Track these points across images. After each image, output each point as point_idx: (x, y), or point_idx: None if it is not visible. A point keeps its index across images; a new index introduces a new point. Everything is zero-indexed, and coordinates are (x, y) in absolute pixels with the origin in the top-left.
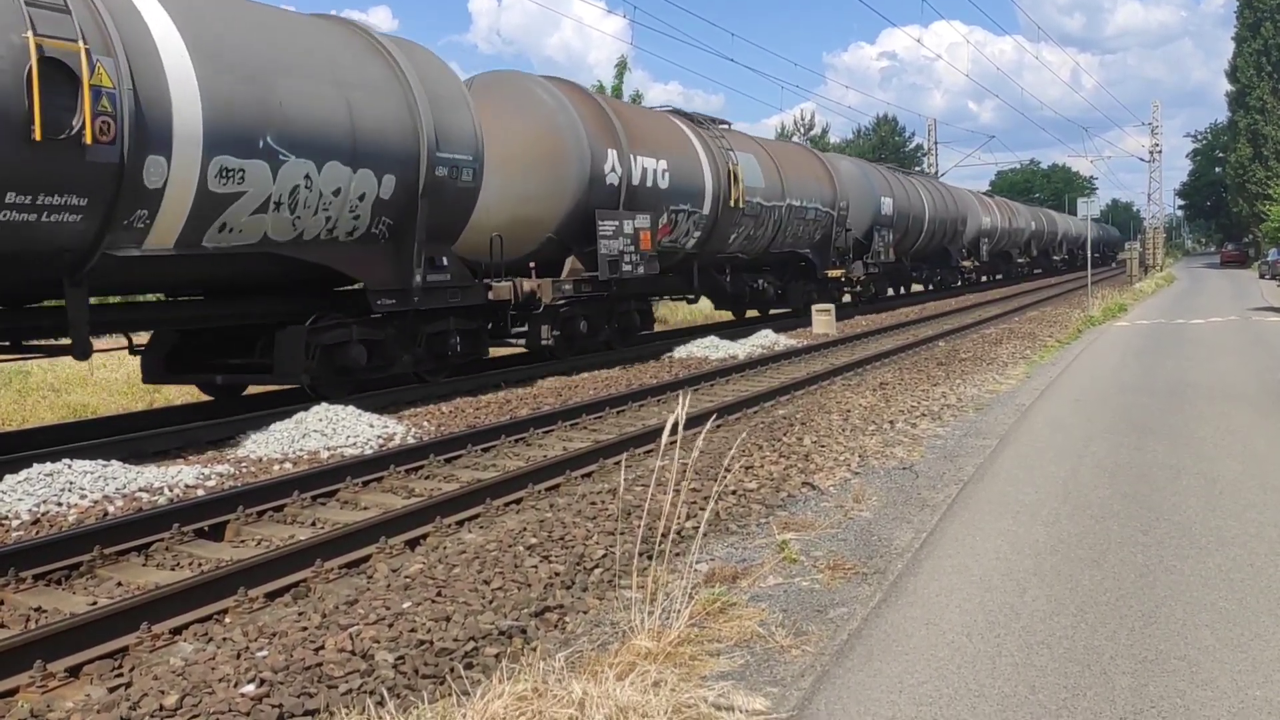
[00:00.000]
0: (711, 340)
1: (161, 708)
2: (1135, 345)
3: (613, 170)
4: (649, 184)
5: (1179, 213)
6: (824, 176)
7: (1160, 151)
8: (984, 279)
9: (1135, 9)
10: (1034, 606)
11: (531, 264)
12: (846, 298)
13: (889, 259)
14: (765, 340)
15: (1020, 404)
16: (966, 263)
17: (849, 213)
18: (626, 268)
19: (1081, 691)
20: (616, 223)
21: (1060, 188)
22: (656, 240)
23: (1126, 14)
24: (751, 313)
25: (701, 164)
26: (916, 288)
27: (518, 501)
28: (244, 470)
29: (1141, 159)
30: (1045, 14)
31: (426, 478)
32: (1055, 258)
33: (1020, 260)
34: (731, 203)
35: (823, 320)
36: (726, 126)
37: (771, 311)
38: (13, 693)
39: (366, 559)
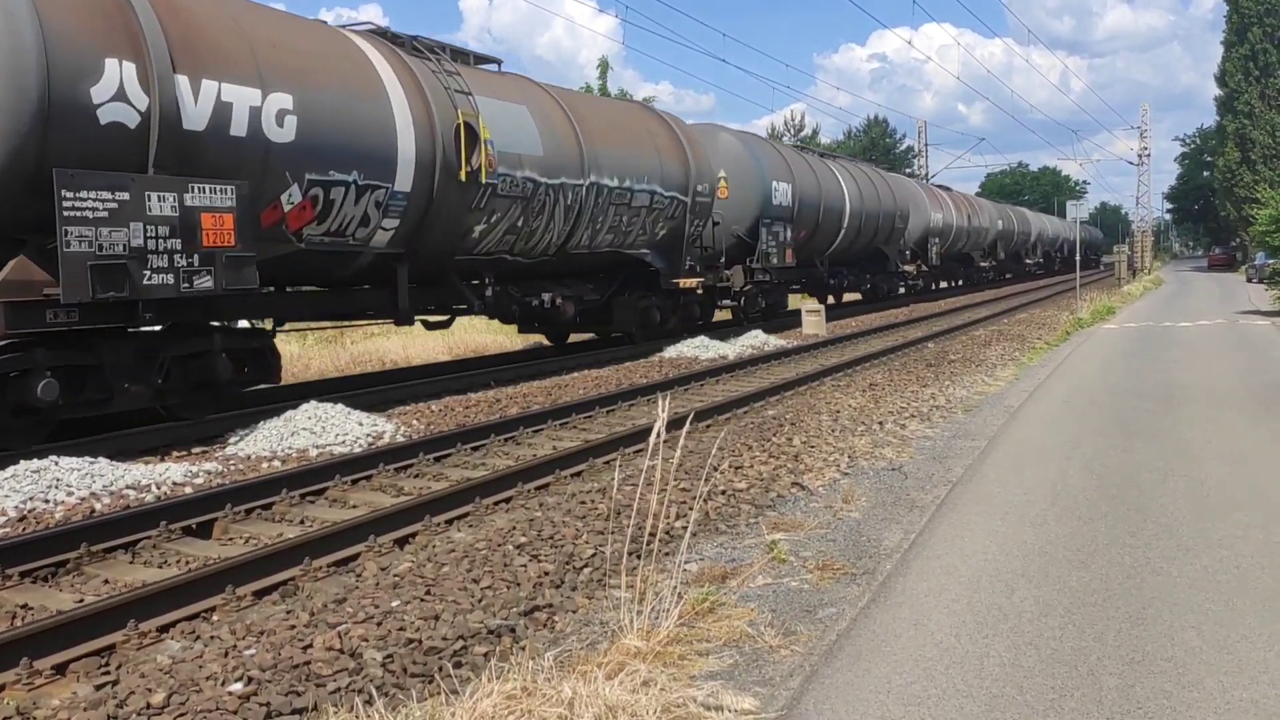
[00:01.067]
0: (702, 340)
1: (149, 706)
2: (1124, 348)
3: (119, 98)
4: (231, 132)
5: (1167, 216)
6: (672, 149)
7: (1149, 155)
8: (940, 285)
9: (1124, 12)
10: (1022, 607)
11: None
12: (724, 314)
13: (784, 263)
14: (755, 341)
15: (1009, 406)
16: (909, 267)
17: (717, 201)
18: (151, 276)
19: (1069, 692)
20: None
21: (1050, 190)
22: (249, 228)
23: (1115, 17)
24: (579, 337)
25: (391, 108)
26: (851, 296)
27: (507, 500)
28: (232, 468)
29: (1130, 162)
30: (1034, 17)
31: (416, 476)
32: (1028, 261)
33: (984, 264)
34: (464, 176)
35: (813, 321)
36: (495, 67)
37: (574, 338)
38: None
39: (355, 557)
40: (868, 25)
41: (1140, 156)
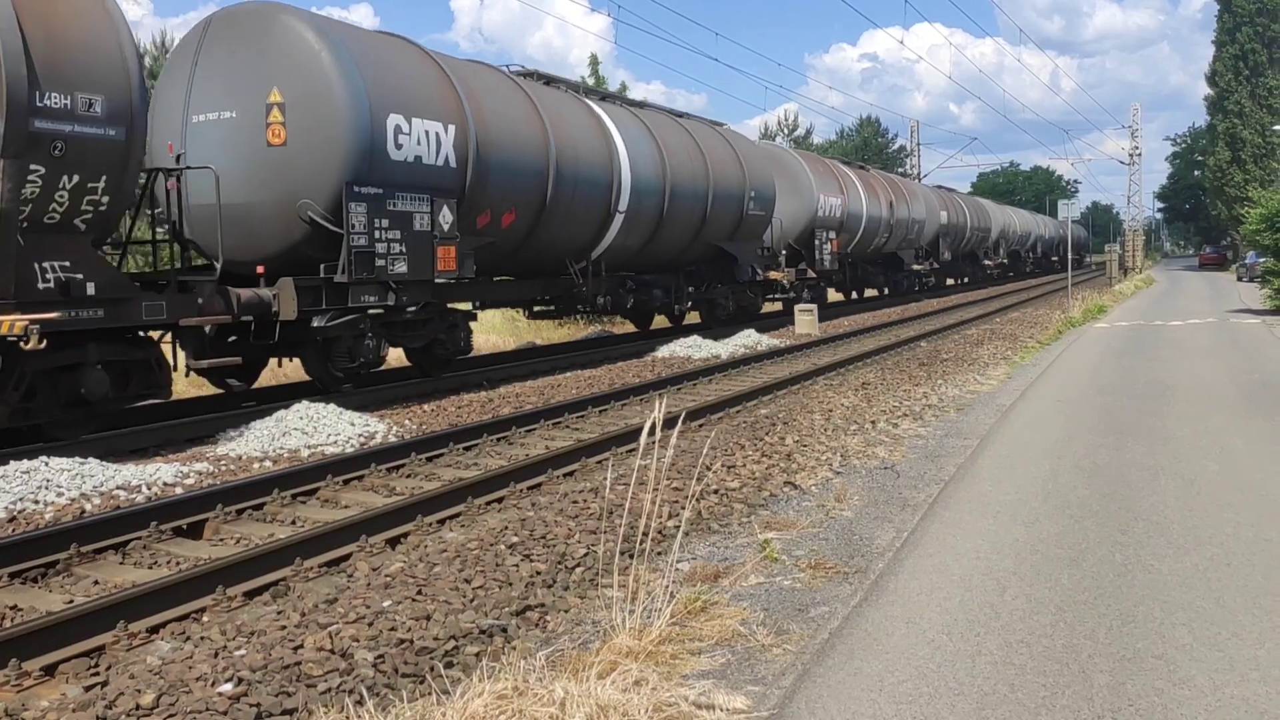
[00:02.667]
0: (694, 340)
1: (138, 707)
2: (1115, 347)
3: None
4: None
5: (1158, 215)
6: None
7: (1140, 154)
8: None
9: (1114, 12)
10: (1013, 605)
11: None
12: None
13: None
14: (748, 340)
15: (1001, 404)
16: (918, 265)
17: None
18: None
19: (1060, 690)
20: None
21: (1042, 190)
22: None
23: (1105, 17)
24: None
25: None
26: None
27: (499, 500)
28: (223, 468)
29: (1121, 161)
30: (1025, 17)
31: (408, 476)
32: (987, 262)
33: (917, 267)
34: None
35: (806, 320)
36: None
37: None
38: None
39: (347, 558)
40: (859, 25)
41: (1131, 156)
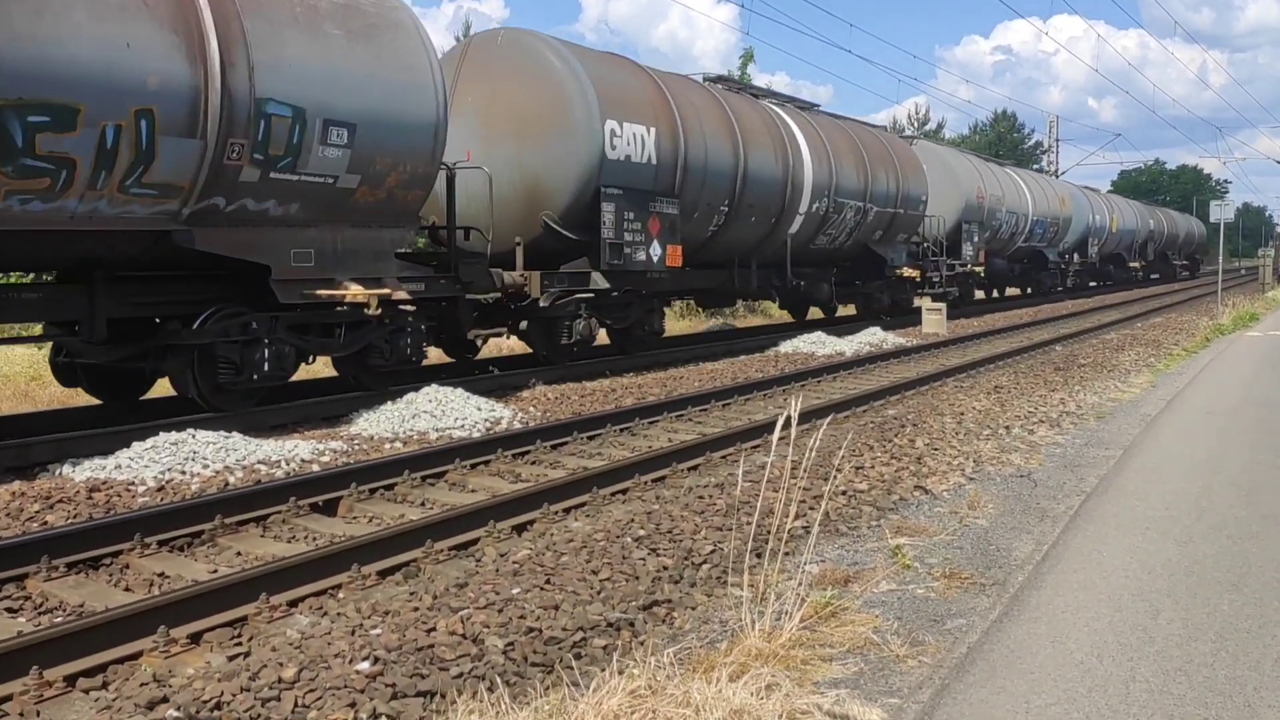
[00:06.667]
0: (818, 336)
1: (280, 680)
2: (1271, 357)
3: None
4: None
5: None
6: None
7: None
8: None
9: (1268, 6)
10: (1169, 630)
11: None
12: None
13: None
14: (874, 338)
15: (1145, 414)
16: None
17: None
18: None
19: None
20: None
21: (1189, 189)
22: None
23: (1258, 10)
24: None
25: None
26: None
27: (624, 492)
28: (356, 448)
29: (1277, 161)
30: (1171, 8)
31: (533, 463)
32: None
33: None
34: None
35: (933, 320)
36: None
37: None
38: (136, 656)
39: (475, 542)
40: (991, 17)
41: None
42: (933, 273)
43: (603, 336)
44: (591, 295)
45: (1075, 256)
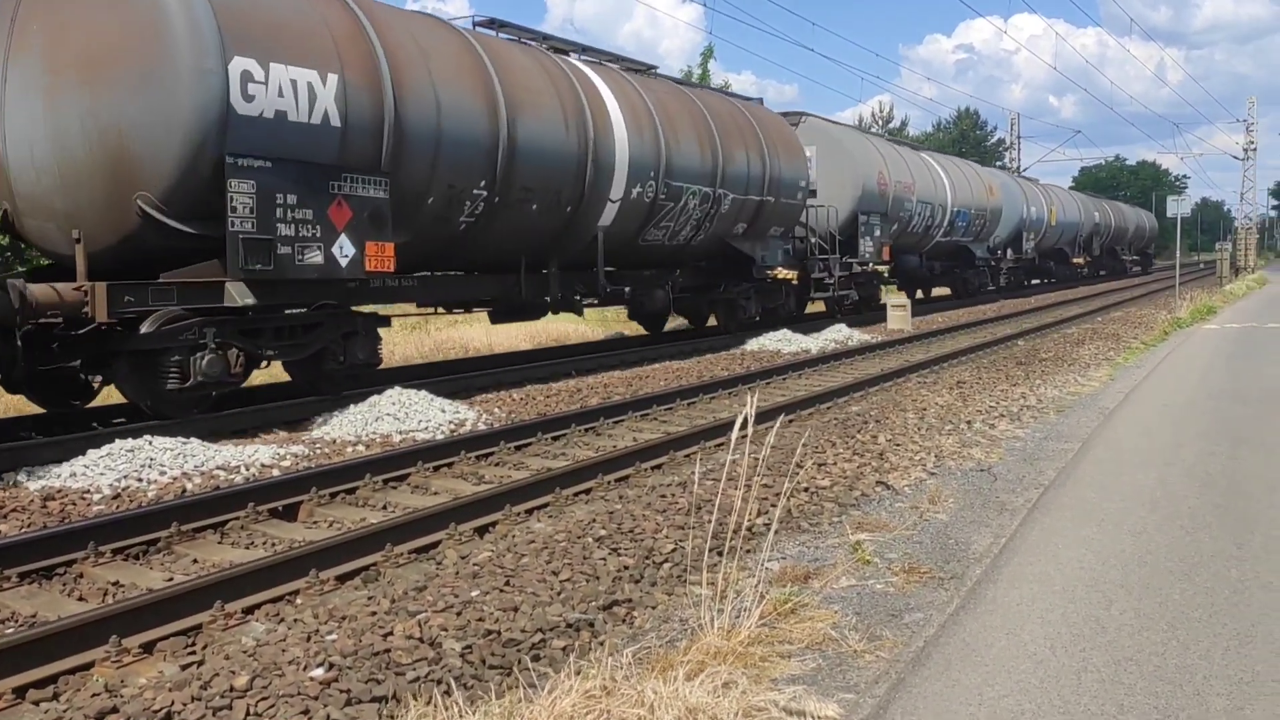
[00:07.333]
0: (784, 334)
1: (232, 688)
2: (1226, 349)
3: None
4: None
5: (1273, 213)
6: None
7: (1255, 149)
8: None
9: (1224, 3)
10: (1121, 620)
11: None
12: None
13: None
14: (839, 335)
15: (1104, 407)
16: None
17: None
18: None
19: (1174, 713)
20: None
21: (1148, 185)
22: None
23: (1215, 7)
24: None
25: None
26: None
27: (587, 492)
28: (318, 451)
29: (1235, 156)
30: (1129, 6)
31: (496, 464)
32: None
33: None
34: None
35: (898, 316)
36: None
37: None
38: (88, 666)
39: (436, 544)
40: (953, 16)
41: (1245, 151)
42: (820, 273)
43: (280, 372)
44: (231, 317)
45: (1009, 252)
